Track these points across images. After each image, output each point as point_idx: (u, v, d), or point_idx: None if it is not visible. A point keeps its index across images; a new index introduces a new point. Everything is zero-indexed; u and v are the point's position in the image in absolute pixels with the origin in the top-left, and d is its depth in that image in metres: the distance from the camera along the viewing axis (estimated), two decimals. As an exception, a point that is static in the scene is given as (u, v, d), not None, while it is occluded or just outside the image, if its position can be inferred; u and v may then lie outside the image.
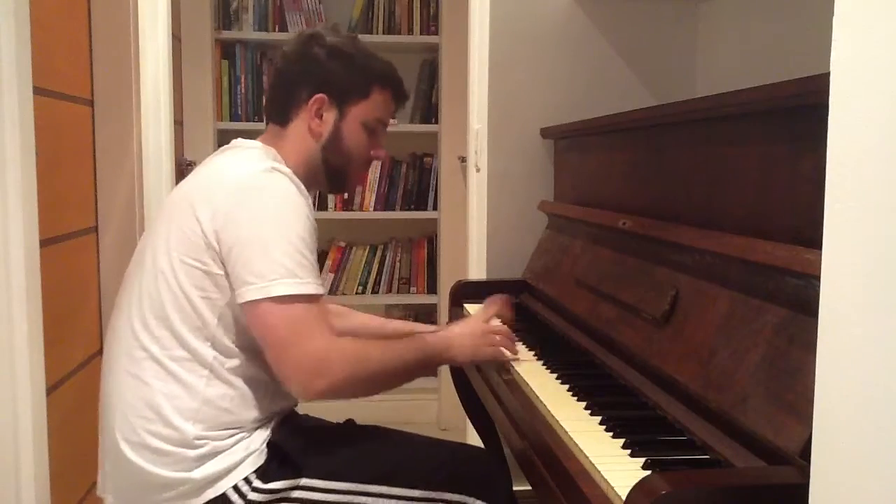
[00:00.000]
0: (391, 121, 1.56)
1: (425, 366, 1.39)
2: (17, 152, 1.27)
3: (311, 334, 1.23)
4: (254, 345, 1.30)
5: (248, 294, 1.23)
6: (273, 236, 1.24)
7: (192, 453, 1.26)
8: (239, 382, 1.30)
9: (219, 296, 1.28)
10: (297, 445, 1.32)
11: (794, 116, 1.05)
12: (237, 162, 1.36)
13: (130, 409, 1.29)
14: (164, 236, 1.31)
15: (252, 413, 1.31)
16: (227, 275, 1.27)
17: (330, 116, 1.45)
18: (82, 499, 1.74)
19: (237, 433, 1.29)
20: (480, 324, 1.51)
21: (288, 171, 1.33)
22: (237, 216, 1.25)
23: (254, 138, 1.47)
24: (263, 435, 1.32)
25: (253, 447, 1.29)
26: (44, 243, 1.44)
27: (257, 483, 1.27)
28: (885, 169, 0.58)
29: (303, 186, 1.33)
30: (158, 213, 1.38)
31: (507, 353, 1.46)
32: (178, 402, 1.27)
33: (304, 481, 1.30)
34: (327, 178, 1.49)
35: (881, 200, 0.58)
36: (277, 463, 1.30)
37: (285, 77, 1.48)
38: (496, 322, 1.58)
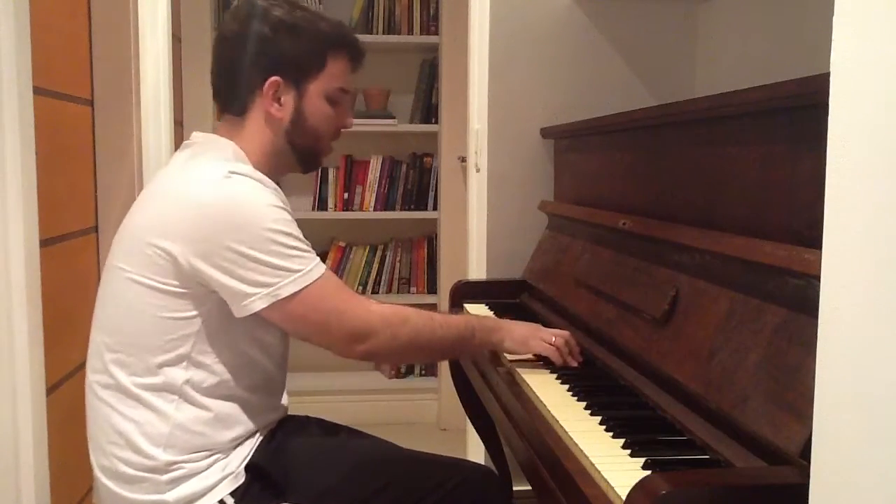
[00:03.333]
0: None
1: (471, 343, 1.37)
2: (17, 152, 1.27)
3: (341, 310, 1.24)
4: (241, 359, 1.28)
5: (255, 304, 1.20)
6: (256, 245, 1.19)
7: (164, 477, 1.23)
8: (214, 403, 1.26)
9: (194, 313, 1.23)
10: (279, 467, 1.28)
11: (794, 116, 1.05)
12: (192, 174, 1.27)
13: (102, 435, 1.26)
14: (127, 261, 1.25)
15: (228, 434, 1.27)
16: (204, 292, 1.22)
17: (289, 99, 1.34)
18: (82, 499, 1.74)
19: (212, 454, 1.25)
20: (540, 326, 1.48)
21: (247, 168, 1.26)
22: (213, 239, 1.19)
23: None
24: (242, 455, 1.28)
25: (230, 469, 1.26)
26: (44, 243, 1.44)
27: None
28: (885, 169, 0.58)
29: (267, 179, 1.27)
30: (121, 234, 1.32)
31: (560, 359, 1.38)
32: (148, 429, 1.23)
33: None
34: (298, 160, 1.41)
35: (881, 200, 0.58)
36: (259, 486, 1.26)
37: (230, 62, 1.35)
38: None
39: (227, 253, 1.19)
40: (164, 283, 1.22)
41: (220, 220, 1.21)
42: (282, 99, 1.35)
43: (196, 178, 1.26)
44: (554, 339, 1.40)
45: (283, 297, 1.20)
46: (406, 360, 1.36)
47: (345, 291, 1.27)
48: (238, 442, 1.28)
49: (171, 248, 1.21)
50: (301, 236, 1.25)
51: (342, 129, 1.44)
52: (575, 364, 1.40)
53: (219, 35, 1.42)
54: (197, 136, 1.37)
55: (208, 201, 1.22)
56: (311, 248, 1.26)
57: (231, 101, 1.37)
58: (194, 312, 1.24)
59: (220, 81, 1.39)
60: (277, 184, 1.31)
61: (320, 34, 1.36)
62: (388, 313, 1.28)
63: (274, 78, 1.33)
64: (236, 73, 1.35)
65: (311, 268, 1.23)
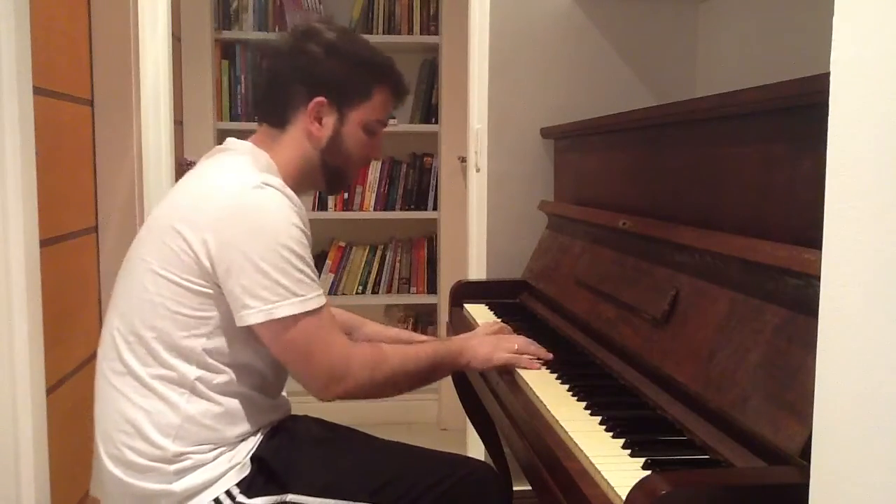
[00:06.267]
0: (391, 120, 1.53)
1: (441, 370, 1.41)
2: (17, 152, 1.27)
3: (327, 345, 1.26)
4: (243, 361, 1.29)
5: (251, 317, 1.22)
6: (268, 257, 1.21)
7: (172, 468, 1.24)
8: (223, 399, 1.28)
9: (211, 314, 1.25)
10: (283, 460, 1.30)
11: (794, 116, 1.05)
12: (225, 175, 1.30)
13: (111, 423, 1.27)
14: (151, 253, 1.27)
15: (236, 429, 1.28)
16: (222, 294, 1.24)
17: (330, 121, 1.39)
18: (82, 499, 1.74)
19: (219, 446, 1.27)
20: (495, 331, 1.52)
21: (278, 182, 1.28)
22: (230, 240, 1.22)
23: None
24: (248, 447, 1.29)
25: (236, 460, 1.27)
26: (44, 243, 1.44)
27: (241, 498, 1.25)
28: (885, 169, 0.58)
29: (295, 196, 1.29)
30: (148, 225, 1.34)
31: (526, 360, 1.41)
32: (159, 419, 1.24)
33: (290, 497, 1.27)
34: (325, 180, 1.45)
35: (881, 200, 0.58)
36: (264, 478, 1.28)
37: (280, 76, 1.40)
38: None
39: (239, 258, 1.21)
40: (184, 279, 1.24)
41: (242, 224, 1.23)
42: (323, 120, 1.39)
43: (229, 180, 1.28)
44: (516, 345, 1.43)
45: (278, 317, 1.22)
46: (380, 397, 1.37)
47: (335, 332, 1.28)
48: (243, 437, 1.30)
49: (193, 241, 1.23)
50: (312, 265, 1.27)
51: (372, 160, 1.46)
52: (550, 357, 1.42)
53: (272, 48, 1.45)
54: (234, 143, 1.40)
55: (236, 203, 1.24)
56: (317, 280, 1.28)
57: (273, 112, 1.41)
58: (210, 313, 1.26)
59: (265, 92, 1.43)
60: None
61: (371, 66, 1.41)
62: (368, 357, 1.30)
63: (319, 98, 1.37)
64: (283, 87, 1.39)
65: (312, 297, 1.24)
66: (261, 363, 1.32)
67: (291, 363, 1.28)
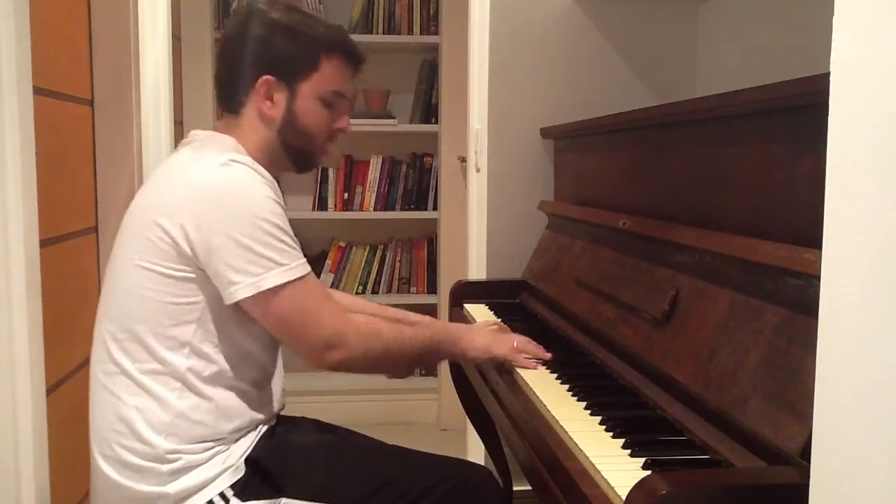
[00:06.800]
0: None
1: (436, 354, 1.41)
2: (17, 152, 1.27)
3: (319, 311, 1.26)
4: (235, 349, 1.29)
5: (238, 293, 1.22)
6: (247, 231, 1.21)
7: (166, 468, 1.24)
8: (214, 392, 1.27)
9: (198, 299, 1.25)
10: (278, 463, 1.30)
11: (794, 116, 1.05)
12: (193, 161, 1.30)
13: (104, 423, 1.28)
14: (131, 248, 1.28)
15: (229, 425, 1.28)
16: (206, 278, 1.24)
17: (281, 98, 1.37)
18: (82, 499, 1.74)
19: (214, 446, 1.27)
20: (500, 327, 1.52)
21: (247, 159, 1.28)
22: (206, 220, 1.22)
23: None
24: (242, 448, 1.29)
25: (230, 461, 1.27)
26: (44, 243, 1.44)
27: (235, 501, 1.25)
28: (885, 168, 0.58)
29: (265, 172, 1.29)
30: (124, 222, 1.34)
31: (524, 359, 1.40)
32: (151, 416, 1.24)
33: (285, 501, 1.27)
34: (291, 160, 1.43)
35: (881, 200, 0.58)
36: (258, 480, 1.28)
37: (229, 62, 1.40)
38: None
39: (218, 237, 1.22)
40: (166, 268, 1.25)
41: (215, 203, 1.23)
42: (274, 97, 1.37)
43: (197, 165, 1.28)
44: (515, 343, 1.43)
45: (266, 288, 1.22)
46: (374, 371, 1.37)
47: (325, 297, 1.29)
48: (239, 435, 1.30)
49: (170, 229, 1.23)
50: (291, 233, 1.27)
51: (338, 133, 1.45)
52: (548, 356, 1.42)
53: (221, 37, 1.46)
54: (197, 134, 1.39)
55: (206, 184, 1.25)
56: (298, 248, 1.28)
57: (228, 100, 1.40)
58: (196, 298, 1.26)
59: (220, 81, 1.44)
60: (276, 180, 1.33)
61: (315, 36, 1.38)
62: (363, 326, 1.31)
63: (266, 76, 1.36)
64: (233, 72, 1.39)
65: (296, 265, 1.25)
66: (256, 347, 1.32)
67: (286, 333, 1.28)
